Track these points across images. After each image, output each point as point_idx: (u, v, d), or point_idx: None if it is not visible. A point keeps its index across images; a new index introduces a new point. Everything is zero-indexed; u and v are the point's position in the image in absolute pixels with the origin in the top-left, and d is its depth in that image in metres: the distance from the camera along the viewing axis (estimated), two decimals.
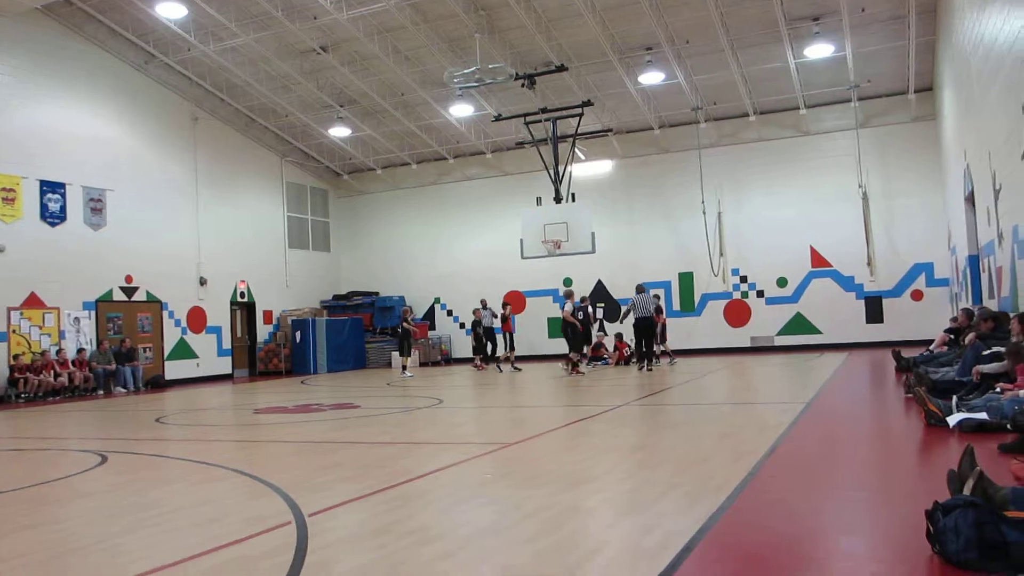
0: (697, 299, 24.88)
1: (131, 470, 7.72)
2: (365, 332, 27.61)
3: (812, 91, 22.57)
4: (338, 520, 5.01)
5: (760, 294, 24.22)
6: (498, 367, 21.24)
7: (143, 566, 4.12)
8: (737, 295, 24.47)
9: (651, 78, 21.74)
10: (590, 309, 20.99)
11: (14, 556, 4.50)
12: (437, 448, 8.14)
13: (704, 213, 24.33)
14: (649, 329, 18.19)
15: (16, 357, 18.34)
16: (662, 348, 20.04)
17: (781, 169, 23.92)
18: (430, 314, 28.38)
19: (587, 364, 19.42)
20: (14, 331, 18.71)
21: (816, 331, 23.50)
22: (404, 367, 20.68)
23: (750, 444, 7.15)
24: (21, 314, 18.92)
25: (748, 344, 24.10)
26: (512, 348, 21.35)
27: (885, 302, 22.98)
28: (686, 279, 24.97)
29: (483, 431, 9.79)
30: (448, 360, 27.29)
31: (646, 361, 18.03)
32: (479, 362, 22.06)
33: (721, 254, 24.55)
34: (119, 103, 21.64)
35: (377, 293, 28.48)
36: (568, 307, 18.54)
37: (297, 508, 5.21)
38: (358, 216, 29.58)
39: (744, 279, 24.41)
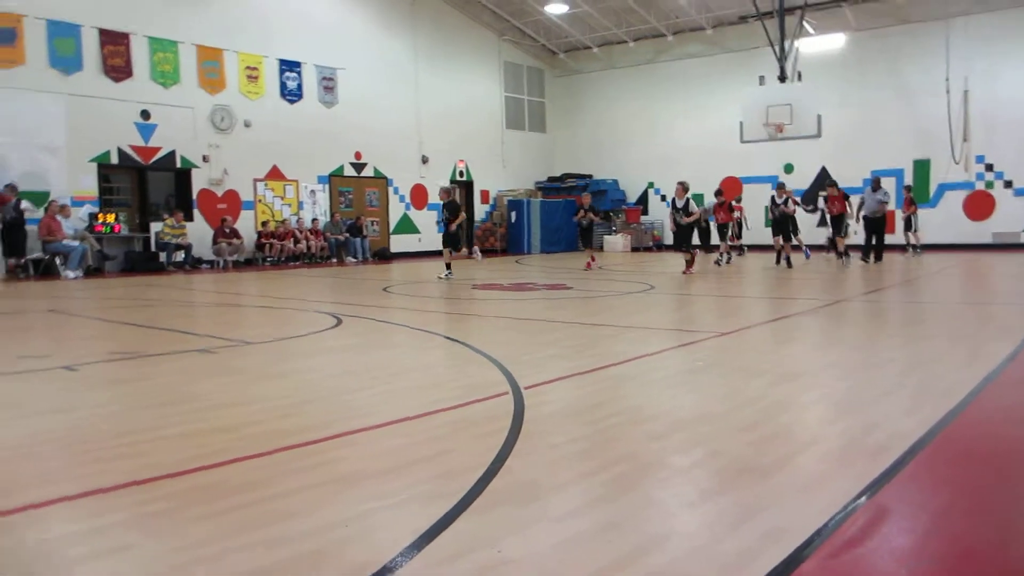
0: (932, 189, 22.91)
1: (362, 333, 8.36)
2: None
3: None
4: (552, 395, 5.21)
5: (1008, 184, 21.91)
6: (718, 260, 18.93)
7: (374, 420, 4.52)
8: (980, 185, 22.28)
9: None
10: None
11: (263, 399, 5.06)
12: (648, 333, 8.19)
13: (948, 92, 22.03)
14: (878, 227, 17.15)
15: (264, 224, 20.15)
16: (840, 240, 17.22)
17: None
18: (643, 198, 28.06)
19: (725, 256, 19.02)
20: (259, 200, 20.48)
21: None
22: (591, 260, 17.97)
23: (988, 348, 6.66)
24: (265, 185, 20.63)
25: (989, 240, 22.06)
26: (732, 237, 20.23)
27: None
28: (921, 167, 22.99)
29: (694, 319, 9.72)
30: (659, 246, 27.03)
31: (872, 255, 17.11)
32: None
33: (964, 139, 22.27)
34: None
35: (591, 176, 28.44)
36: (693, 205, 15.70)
37: (513, 380, 5.47)
38: (573, 96, 29.34)
39: (990, 167, 22.12)
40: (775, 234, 17.57)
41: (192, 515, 3.03)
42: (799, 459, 3.75)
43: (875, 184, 17.28)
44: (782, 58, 19.52)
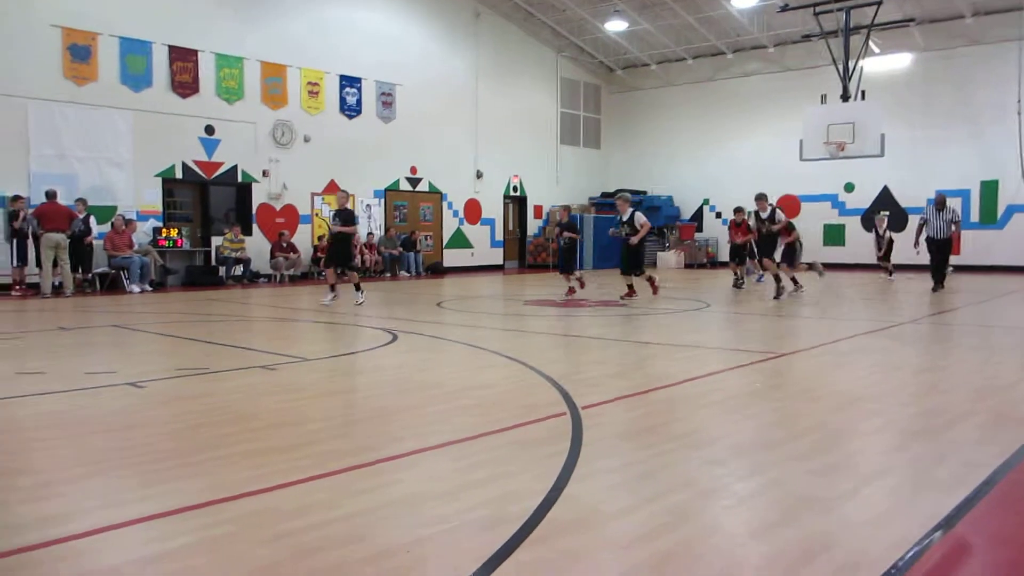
0: (1001, 211, 22.29)
1: (417, 349, 8.40)
2: None
3: None
4: (609, 415, 5.16)
5: None
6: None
7: (431, 440, 4.51)
8: None
9: None
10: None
11: (319, 420, 5.10)
12: (704, 352, 8.09)
13: (1020, 114, 21.47)
14: (944, 251, 15.30)
15: (320, 238, 20.42)
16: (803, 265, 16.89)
17: None
18: (698, 215, 27.83)
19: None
20: (316, 214, 20.77)
21: None
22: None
23: None
24: (323, 199, 20.92)
25: None
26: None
27: None
28: (989, 188, 22.40)
29: (752, 338, 9.57)
30: (713, 263, 26.74)
31: (936, 281, 15.21)
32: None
33: None
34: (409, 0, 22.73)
35: (645, 192, 28.29)
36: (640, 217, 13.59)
37: (571, 400, 5.43)
38: (629, 113, 29.27)
39: None
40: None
41: (257, 537, 3.05)
42: (867, 491, 3.64)
43: (940, 203, 15.43)
44: (845, 77, 19.23)
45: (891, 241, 18.86)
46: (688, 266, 26.08)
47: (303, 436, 4.62)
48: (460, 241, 24.57)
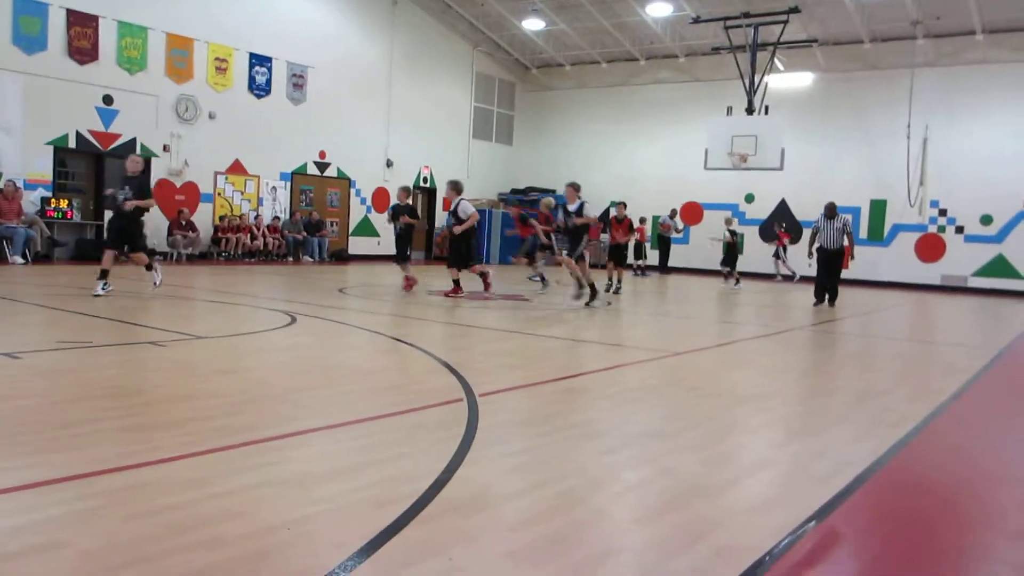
0: (887, 229, 23.40)
1: (316, 333, 8.25)
2: None
3: None
4: (506, 404, 5.18)
5: (959, 230, 22.44)
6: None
7: (325, 420, 4.44)
8: (933, 228, 22.79)
9: None
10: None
11: (208, 396, 4.94)
12: (602, 348, 8.20)
13: (908, 138, 22.54)
14: (834, 263, 14.46)
15: (221, 218, 19.85)
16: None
17: (1005, 96, 21.69)
18: (604, 216, 28.21)
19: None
20: (219, 194, 20.18)
21: (1020, 276, 21.63)
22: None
23: (933, 384, 6.78)
24: (226, 179, 20.34)
25: (938, 282, 22.54)
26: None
27: None
28: (878, 207, 23.48)
29: (649, 337, 9.76)
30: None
31: (827, 297, 14.46)
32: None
33: (921, 183, 22.80)
34: None
35: (554, 191, 28.50)
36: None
37: (468, 386, 5.42)
38: (542, 112, 29.46)
39: (943, 212, 22.64)
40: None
41: (130, 512, 2.93)
42: (750, 480, 3.76)
43: (830, 211, 14.52)
44: (751, 91, 19.83)
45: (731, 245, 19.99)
46: (593, 266, 26.39)
47: (189, 412, 4.47)
48: (367, 229, 24.25)
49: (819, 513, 3.27)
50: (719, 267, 20.19)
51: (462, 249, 12.98)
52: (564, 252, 13.02)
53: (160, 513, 2.91)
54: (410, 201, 12.62)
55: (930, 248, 22.84)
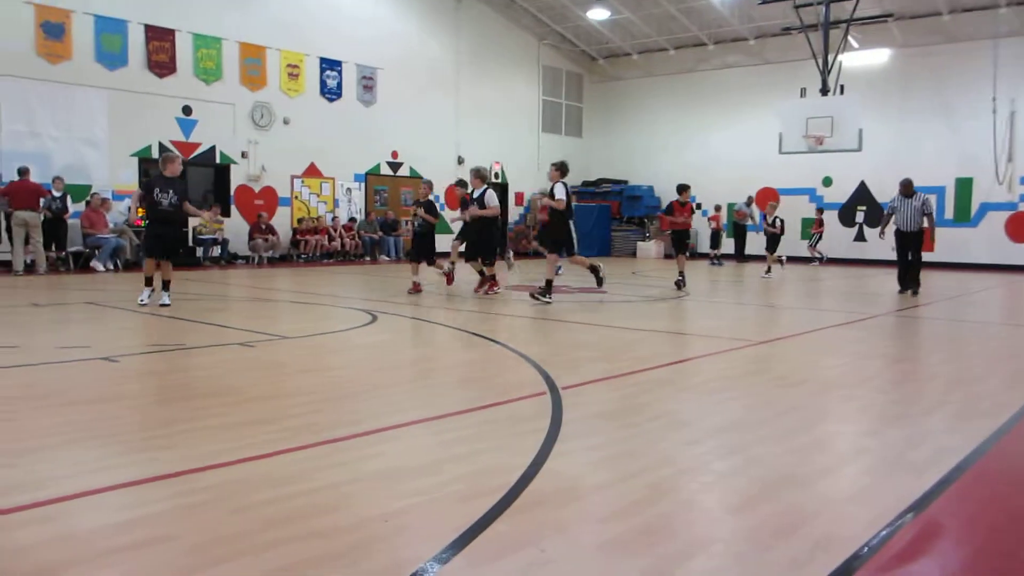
0: (974, 209, 22.52)
1: (396, 330, 8.36)
2: (612, 220, 27.76)
3: None
4: (589, 396, 5.16)
5: None
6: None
7: (410, 416, 4.50)
8: (1023, 206, 21.88)
9: None
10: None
11: (297, 395, 5.06)
12: (682, 339, 8.13)
13: (994, 112, 21.67)
14: (912, 245, 13.35)
15: (299, 221, 20.30)
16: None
17: None
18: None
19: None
20: (296, 197, 20.63)
21: None
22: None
23: None
24: (302, 182, 20.78)
25: None
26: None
27: None
28: (964, 185, 22.63)
29: (732, 326, 9.61)
30: (692, 254, 26.76)
31: (910, 284, 13.33)
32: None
33: (1009, 159, 21.90)
34: None
35: (626, 182, 28.33)
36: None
37: (551, 380, 5.43)
38: (611, 102, 29.25)
39: None
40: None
41: (232, 507, 3.02)
42: (844, 470, 3.68)
43: (906, 188, 13.37)
44: (825, 71, 19.32)
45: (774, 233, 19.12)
46: (667, 256, 26.13)
47: (280, 410, 4.59)
48: (441, 226, 24.39)
49: (918, 503, 3.18)
50: (764, 252, 19.25)
51: (485, 240, 12.36)
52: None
53: (259, 507, 3.00)
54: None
55: (1022, 227, 21.91)
